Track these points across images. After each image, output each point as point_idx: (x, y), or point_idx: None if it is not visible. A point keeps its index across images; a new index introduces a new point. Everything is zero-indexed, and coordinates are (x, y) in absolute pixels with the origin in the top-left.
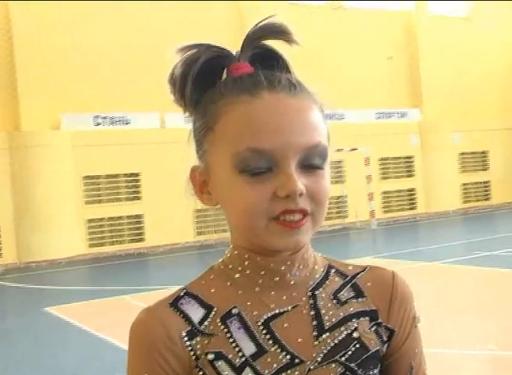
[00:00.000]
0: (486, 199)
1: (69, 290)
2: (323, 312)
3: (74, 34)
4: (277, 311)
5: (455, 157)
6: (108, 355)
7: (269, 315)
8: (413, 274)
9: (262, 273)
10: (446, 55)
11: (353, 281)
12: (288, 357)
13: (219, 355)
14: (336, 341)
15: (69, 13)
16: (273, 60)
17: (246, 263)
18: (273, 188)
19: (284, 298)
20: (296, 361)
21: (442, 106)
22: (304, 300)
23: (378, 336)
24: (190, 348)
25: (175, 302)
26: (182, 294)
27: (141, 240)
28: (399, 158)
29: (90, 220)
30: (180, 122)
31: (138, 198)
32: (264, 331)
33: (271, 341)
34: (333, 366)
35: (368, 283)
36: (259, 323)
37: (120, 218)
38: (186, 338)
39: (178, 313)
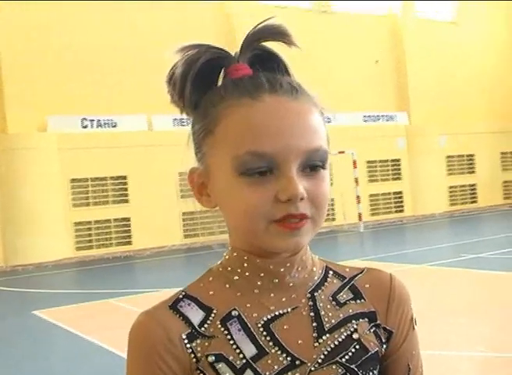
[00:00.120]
0: (473, 202)
1: (56, 293)
2: (322, 313)
3: (61, 36)
4: (277, 313)
5: (442, 160)
6: (97, 359)
7: (269, 316)
8: (401, 277)
9: (261, 274)
10: (432, 59)
11: (351, 283)
12: (289, 359)
13: (220, 357)
14: (336, 343)
15: (56, 15)
16: (273, 62)
17: (245, 265)
18: (274, 191)
19: (283, 299)
20: (297, 362)
21: (428, 109)
22: (304, 302)
23: (377, 337)
24: (190, 351)
25: (174, 305)
26: (181, 296)
27: (128, 243)
28: (386, 161)
29: (77, 223)
30: (168, 124)
31: (125, 201)
32: (265, 333)
33: (271, 343)
34: (334, 367)
35: (366, 285)
36: (259, 325)
37: (107, 221)
38: (186, 341)
39: (178, 316)
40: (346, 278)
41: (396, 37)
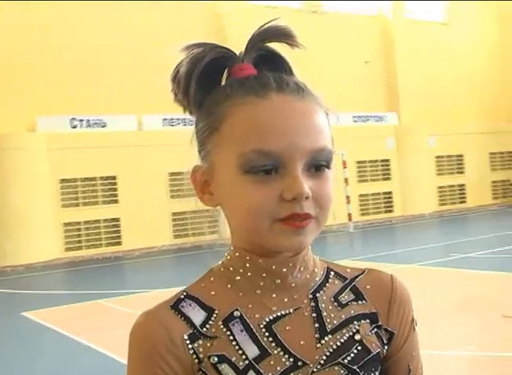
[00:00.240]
0: (462, 202)
1: (45, 294)
2: (324, 314)
3: (51, 37)
4: (279, 313)
5: (431, 160)
6: (87, 360)
7: (271, 317)
8: None
9: (264, 275)
10: (422, 60)
11: (353, 284)
12: (291, 360)
13: (222, 358)
14: (338, 344)
15: (46, 16)
16: (277, 63)
17: (247, 265)
18: (279, 190)
19: (285, 300)
20: (299, 363)
21: (418, 110)
22: (306, 302)
23: (379, 338)
24: (192, 351)
25: (176, 305)
26: (182, 296)
27: (118, 243)
28: (375, 161)
29: (66, 224)
30: (158, 124)
31: (115, 202)
32: (267, 334)
33: (274, 344)
34: (336, 368)
35: (367, 286)
36: (261, 326)
37: (97, 221)
38: (188, 341)
39: (179, 316)
40: (347, 279)
41: (386, 37)
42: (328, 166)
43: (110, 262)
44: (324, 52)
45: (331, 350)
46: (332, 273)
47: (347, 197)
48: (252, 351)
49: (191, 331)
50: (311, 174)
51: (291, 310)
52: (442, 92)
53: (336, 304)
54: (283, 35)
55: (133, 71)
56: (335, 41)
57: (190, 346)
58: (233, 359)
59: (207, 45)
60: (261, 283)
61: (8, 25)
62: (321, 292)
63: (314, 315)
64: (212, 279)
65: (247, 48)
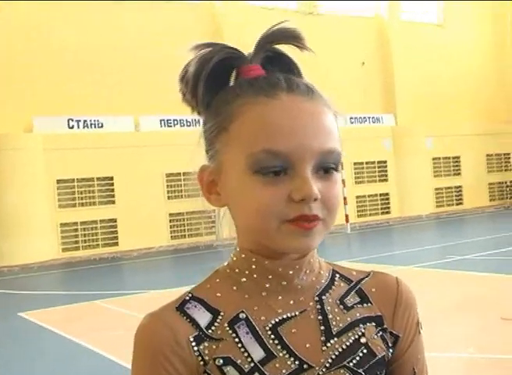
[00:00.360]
0: (458, 204)
1: (42, 295)
2: (330, 317)
3: (49, 37)
4: (285, 316)
5: (428, 162)
6: (84, 360)
7: (277, 320)
8: None
9: (270, 277)
10: (418, 61)
11: (358, 287)
12: (297, 362)
13: (228, 361)
14: (343, 347)
15: (45, 16)
16: (285, 64)
17: (253, 267)
18: (288, 191)
19: (291, 302)
20: (305, 366)
21: (415, 111)
22: (311, 305)
23: (384, 342)
24: (197, 354)
25: (181, 306)
26: (187, 298)
27: (115, 244)
28: (372, 162)
29: (63, 224)
30: (155, 125)
31: (112, 202)
32: (273, 336)
33: (279, 347)
34: (341, 371)
35: (373, 289)
36: (267, 328)
37: (94, 222)
38: (194, 343)
39: (185, 318)
40: (352, 281)
41: (382, 38)
42: (336, 169)
43: (107, 263)
44: (320, 54)
45: (336, 353)
46: (338, 275)
47: (344, 198)
48: (257, 353)
49: (197, 333)
50: (319, 176)
51: (297, 313)
52: (438, 93)
53: (341, 306)
54: (292, 37)
55: (131, 72)
56: (331, 42)
57: (195, 348)
58: (239, 362)
59: (216, 45)
60: (267, 285)
61: (7, 25)
62: (327, 295)
63: (319, 317)
64: (218, 280)
65: (255, 49)
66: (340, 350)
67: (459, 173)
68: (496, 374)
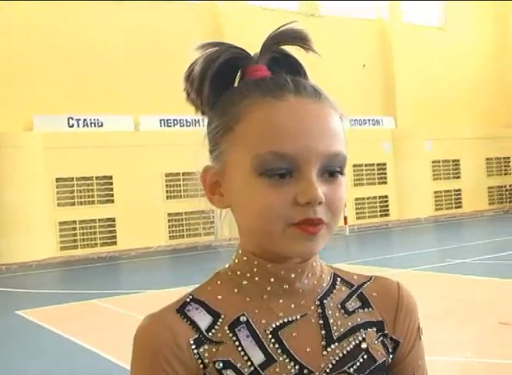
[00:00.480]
0: (457, 207)
1: (40, 293)
2: (331, 321)
3: (49, 37)
4: (285, 320)
5: (427, 165)
6: (81, 360)
7: (278, 323)
8: None
9: (272, 280)
10: (419, 64)
11: (359, 291)
12: (297, 367)
13: (228, 364)
14: (344, 352)
15: (45, 16)
16: (291, 66)
17: (255, 270)
18: (293, 194)
19: (292, 306)
20: (305, 371)
21: (415, 114)
22: (313, 309)
23: (384, 347)
24: (197, 356)
25: (181, 308)
26: (188, 300)
27: (113, 243)
28: (372, 165)
29: (62, 223)
30: (155, 125)
31: (111, 201)
32: (273, 340)
33: (279, 351)
34: None
35: (374, 294)
36: (268, 332)
37: (92, 221)
38: (194, 346)
39: (185, 320)
40: (354, 286)
41: (383, 41)
42: (341, 172)
43: (105, 262)
44: (321, 55)
45: (337, 358)
46: (339, 279)
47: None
48: (258, 357)
49: (197, 336)
50: (324, 179)
51: (298, 316)
52: (438, 97)
53: (342, 311)
54: (299, 39)
55: (131, 71)
56: (332, 44)
57: (195, 351)
58: (238, 365)
59: (222, 45)
60: (269, 289)
61: (7, 25)
62: (328, 299)
63: (320, 322)
64: (219, 282)
65: (261, 49)
66: (341, 355)
67: (458, 177)
68: None
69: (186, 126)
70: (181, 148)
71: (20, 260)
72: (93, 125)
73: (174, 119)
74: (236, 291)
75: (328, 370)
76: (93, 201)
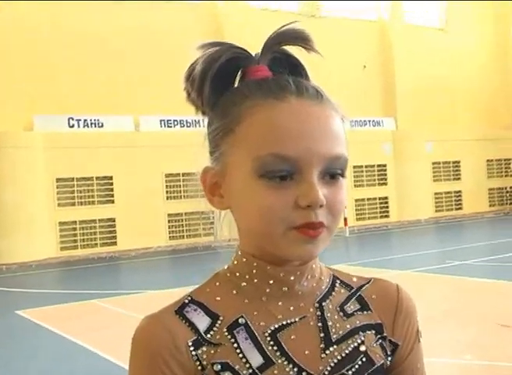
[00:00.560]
0: (458, 209)
1: (40, 293)
2: (330, 324)
3: (49, 37)
4: (284, 322)
5: (428, 166)
6: (81, 360)
7: (276, 326)
8: None
9: (271, 282)
10: (419, 65)
11: (358, 293)
12: (295, 369)
13: (226, 366)
14: (342, 354)
15: (43, 16)
16: (293, 66)
17: (254, 272)
18: (294, 196)
19: (291, 308)
20: (304, 374)
21: (415, 115)
22: (312, 311)
23: (383, 350)
24: (196, 358)
25: (180, 310)
26: (187, 301)
27: (114, 243)
28: (372, 166)
29: (62, 223)
30: (155, 125)
31: (111, 202)
32: (272, 343)
33: (278, 353)
34: None
35: (373, 296)
36: (266, 334)
37: (93, 221)
38: (192, 348)
39: (183, 321)
40: (353, 288)
41: (384, 42)
42: (342, 175)
43: (105, 262)
44: (321, 56)
45: (335, 361)
46: (338, 281)
47: None
48: (256, 359)
49: (195, 337)
50: (325, 182)
51: (297, 319)
52: (439, 98)
53: (341, 313)
54: (300, 39)
55: (131, 72)
56: (333, 45)
57: (193, 353)
58: (237, 367)
59: (223, 45)
60: (268, 291)
61: (7, 25)
62: (327, 301)
63: (319, 324)
64: (218, 284)
65: (263, 49)
66: (339, 358)
67: (459, 178)
68: None
69: (187, 126)
70: (181, 148)
71: (20, 260)
72: (93, 125)
73: (174, 120)
74: (234, 292)
75: (326, 373)
76: (93, 201)
